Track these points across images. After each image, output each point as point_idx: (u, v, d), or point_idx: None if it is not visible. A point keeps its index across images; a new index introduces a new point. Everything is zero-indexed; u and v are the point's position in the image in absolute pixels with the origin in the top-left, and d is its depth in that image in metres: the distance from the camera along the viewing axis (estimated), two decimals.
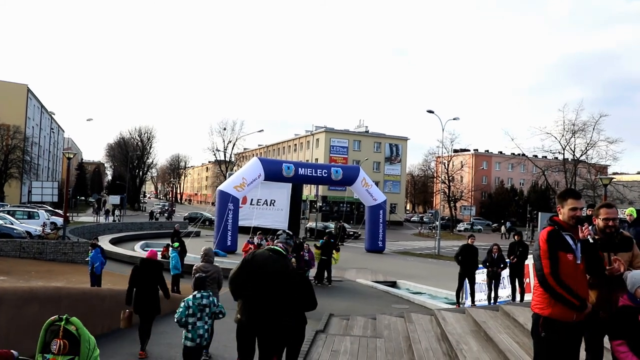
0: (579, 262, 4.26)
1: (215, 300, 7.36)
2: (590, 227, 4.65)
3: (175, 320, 7.05)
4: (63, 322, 5.38)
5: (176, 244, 17.55)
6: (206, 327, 7.02)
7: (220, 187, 28.96)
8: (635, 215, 10.96)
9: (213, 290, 8.87)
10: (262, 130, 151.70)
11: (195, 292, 7.17)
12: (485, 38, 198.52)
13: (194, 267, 9.44)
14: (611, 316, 4.32)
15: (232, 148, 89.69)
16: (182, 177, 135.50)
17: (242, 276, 5.69)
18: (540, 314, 4.27)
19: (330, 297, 17.28)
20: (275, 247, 5.92)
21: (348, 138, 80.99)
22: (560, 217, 4.37)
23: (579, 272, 4.26)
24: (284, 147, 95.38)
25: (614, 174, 56.06)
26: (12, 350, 4.37)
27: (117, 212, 62.96)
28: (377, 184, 40.74)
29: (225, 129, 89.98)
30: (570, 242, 4.26)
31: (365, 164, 64.33)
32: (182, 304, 7.05)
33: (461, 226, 70.79)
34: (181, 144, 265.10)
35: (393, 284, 21.57)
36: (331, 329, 11.68)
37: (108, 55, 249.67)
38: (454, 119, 49.59)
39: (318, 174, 32.40)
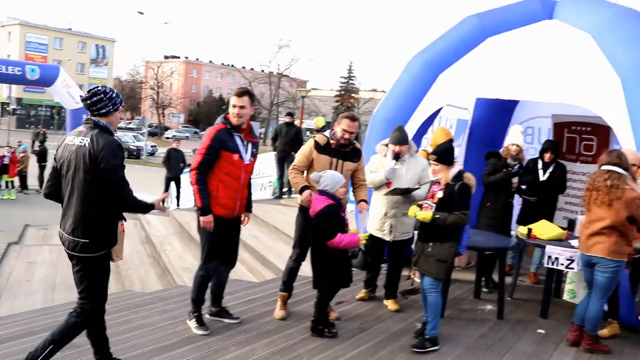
0: (247, 162, 4.55)
1: None
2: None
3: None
4: None
5: None
6: None
7: None
8: (321, 125, 12.49)
9: None
10: None
11: None
12: None
13: None
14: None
15: None
16: None
17: None
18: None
19: (27, 208, 16.40)
20: None
21: (48, 34, 72.34)
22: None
23: (245, 172, 4.56)
24: None
25: (313, 89, 61.80)
26: None
27: None
28: (81, 87, 37.84)
29: None
30: (239, 142, 4.50)
31: (68, 64, 58.86)
32: None
33: (169, 133, 70.69)
34: None
35: None
36: (27, 240, 11.16)
37: None
38: (164, 24, 48.53)
39: (10, 72, 28.62)
